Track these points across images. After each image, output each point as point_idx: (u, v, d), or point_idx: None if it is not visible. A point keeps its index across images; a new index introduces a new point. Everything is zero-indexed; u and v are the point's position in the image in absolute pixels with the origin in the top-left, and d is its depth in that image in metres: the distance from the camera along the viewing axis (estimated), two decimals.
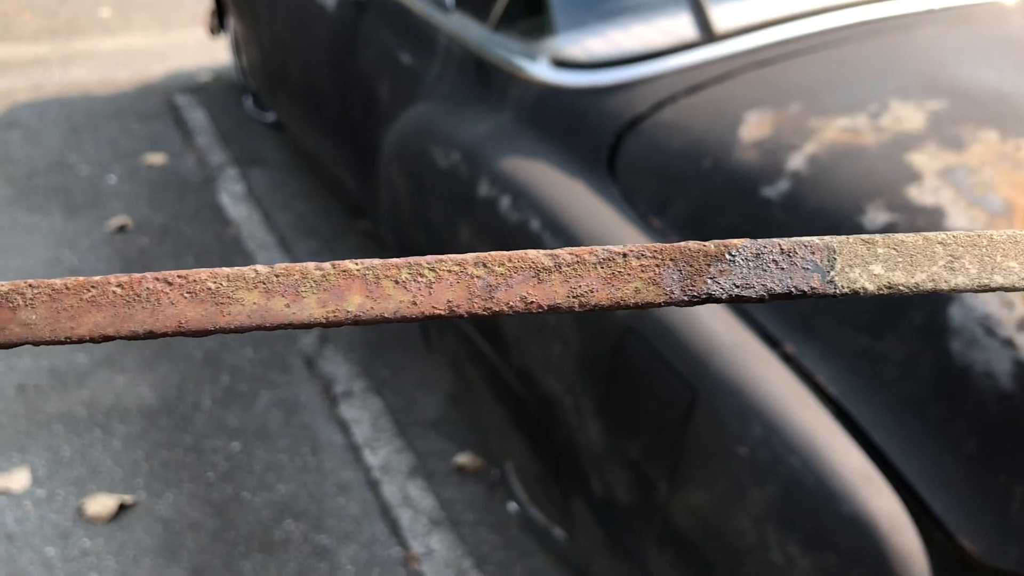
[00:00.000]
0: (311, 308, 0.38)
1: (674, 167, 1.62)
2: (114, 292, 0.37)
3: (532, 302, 0.39)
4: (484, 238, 1.76)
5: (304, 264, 0.38)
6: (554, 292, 0.39)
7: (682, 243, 0.40)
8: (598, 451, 1.55)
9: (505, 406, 1.91)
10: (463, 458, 2.31)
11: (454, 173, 1.88)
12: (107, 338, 0.37)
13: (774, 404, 1.23)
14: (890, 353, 1.28)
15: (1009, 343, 1.19)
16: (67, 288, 0.37)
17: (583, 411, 1.56)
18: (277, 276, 0.38)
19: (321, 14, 2.83)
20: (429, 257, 0.39)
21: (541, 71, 1.89)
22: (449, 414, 2.47)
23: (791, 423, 1.21)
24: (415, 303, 0.39)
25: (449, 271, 0.39)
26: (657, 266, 0.40)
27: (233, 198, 3.61)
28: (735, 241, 0.40)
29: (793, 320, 1.36)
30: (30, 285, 0.37)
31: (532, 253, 0.39)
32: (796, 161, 1.48)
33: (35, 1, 6.00)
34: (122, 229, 3.36)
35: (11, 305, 0.37)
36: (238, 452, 2.34)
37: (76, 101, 4.48)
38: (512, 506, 2.15)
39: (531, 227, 1.61)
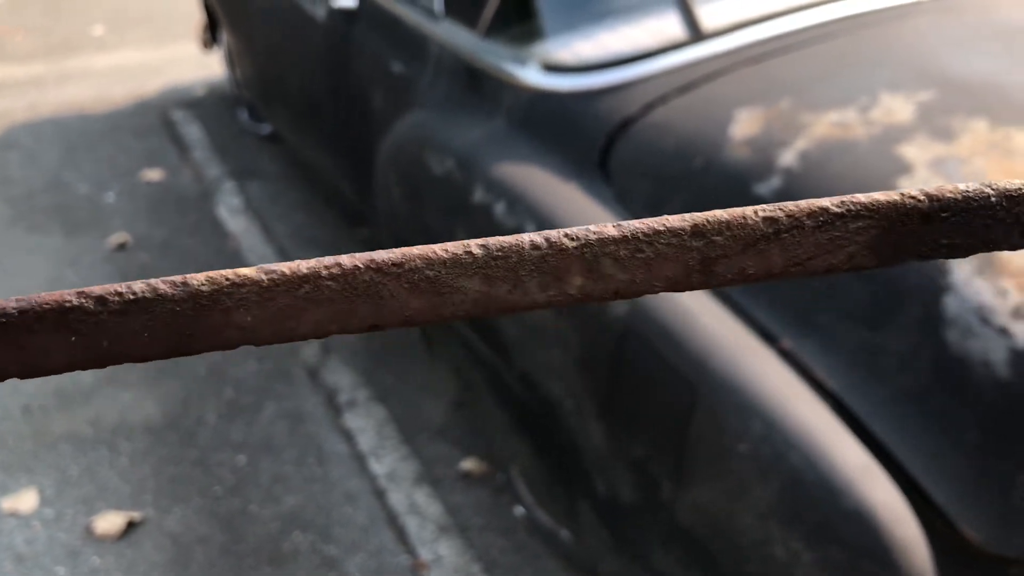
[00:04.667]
0: (534, 293, 0.37)
1: (667, 167, 1.63)
2: (329, 287, 0.35)
3: (751, 274, 0.38)
4: None
5: (517, 240, 0.37)
6: (771, 262, 0.38)
7: (894, 196, 0.38)
8: (601, 452, 1.56)
9: (508, 410, 1.92)
10: (469, 463, 2.31)
11: (449, 180, 1.88)
12: (330, 333, 0.36)
13: (773, 400, 1.24)
14: (887, 345, 1.29)
15: (1004, 331, 1.20)
16: (276, 284, 0.35)
17: (585, 413, 1.56)
18: (495, 259, 0.37)
19: (312, 25, 2.84)
20: (645, 227, 0.37)
21: (532, 76, 1.90)
22: (453, 420, 2.48)
23: (790, 419, 1.22)
24: (635, 281, 0.37)
25: (667, 244, 0.37)
26: (873, 228, 0.38)
27: (231, 211, 3.62)
28: (945, 189, 0.38)
29: (790, 315, 1.37)
30: (235, 283, 0.35)
31: (749, 215, 0.37)
32: (787, 157, 1.49)
33: (29, 20, 6.02)
34: (122, 246, 3.37)
35: (222, 307, 0.35)
36: (244, 465, 2.35)
37: (72, 120, 4.50)
38: (519, 510, 2.16)
39: (526, 231, 1.61)
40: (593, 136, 1.73)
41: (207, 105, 4.65)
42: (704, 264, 0.37)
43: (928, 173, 1.38)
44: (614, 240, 0.37)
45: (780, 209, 0.38)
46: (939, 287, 1.26)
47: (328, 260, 0.36)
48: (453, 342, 2.09)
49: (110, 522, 2.17)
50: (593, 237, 0.37)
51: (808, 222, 0.38)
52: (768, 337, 1.35)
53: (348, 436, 2.43)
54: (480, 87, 2.03)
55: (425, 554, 2.07)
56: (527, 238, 0.37)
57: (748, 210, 0.38)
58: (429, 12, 2.29)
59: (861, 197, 0.38)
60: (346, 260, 0.36)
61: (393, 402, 2.55)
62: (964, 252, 0.39)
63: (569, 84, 1.83)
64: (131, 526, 2.17)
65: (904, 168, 1.40)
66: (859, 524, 1.14)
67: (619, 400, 1.48)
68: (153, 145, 4.23)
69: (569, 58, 1.90)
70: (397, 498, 2.22)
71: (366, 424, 2.46)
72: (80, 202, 3.72)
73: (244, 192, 3.78)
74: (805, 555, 1.19)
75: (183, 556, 2.10)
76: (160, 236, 3.45)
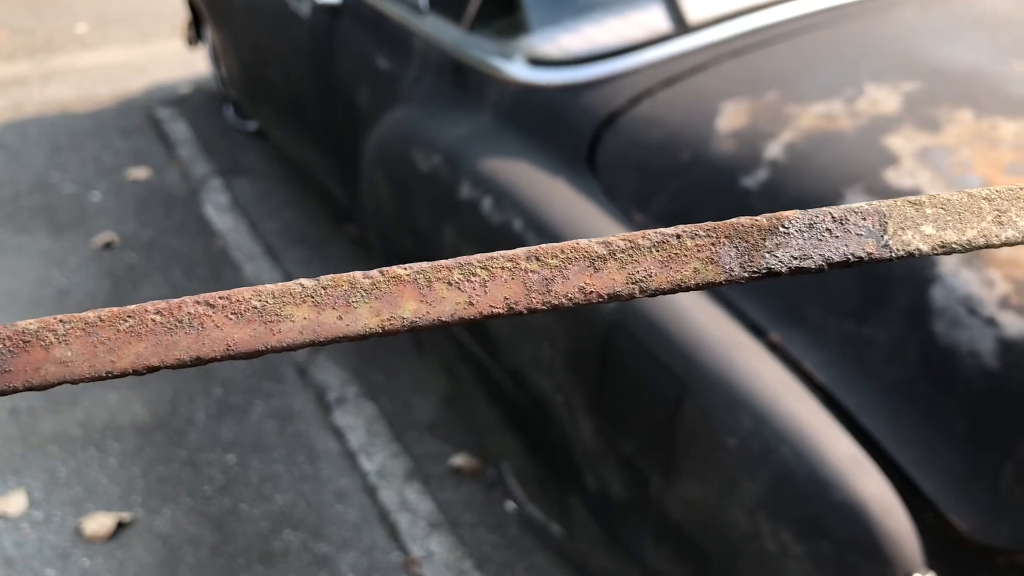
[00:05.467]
0: (365, 318, 0.37)
1: (653, 161, 1.62)
2: (153, 320, 0.35)
3: (591, 292, 0.38)
4: (468, 240, 1.76)
5: (351, 273, 0.37)
6: (612, 280, 0.38)
7: (734, 219, 0.39)
8: (591, 448, 1.55)
9: (498, 406, 1.91)
10: (459, 459, 2.31)
11: (436, 176, 1.88)
12: (151, 369, 0.36)
13: (762, 394, 1.24)
14: (876, 337, 1.29)
15: (991, 322, 1.20)
16: (101, 320, 0.35)
17: (574, 408, 1.56)
18: (325, 288, 0.37)
19: (296, 21, 2.82)
20: (480, 255, 0.38)
21: (517, 70, 1.89)
22: (444, 416, 2.47)
23: (780, 412, 1.21)
24: (471, 303, 0.38)
25: (502, 268, 0.38)
26: (713, 244, 0.39)
27: (218, 209, 3.61)
28: (787, 213, 0.40)
29: (778, 309, 1.36)
30: (61, 320, 0.35)
31: (584, 242, 0.38)
32: (774, 149, 1.48)
33: (11, 20, 5.97)
34: (109, 246, 3.35)
35: (43, 343, 0.35)
36: (234, 464, 2.34)
37: (57, 119, 4.47)
38: (510, 505, 2.15)
39: (514, 227, 1.61)
40: (580, 130, 1.72)
41: (193, 103, 4.63)
42: (543, 284, 0.38)
43: (914, 164, 1.38)
44: (447, 267, 0.38)
45: (615, 235, 0.39)
46: (927, 278, 1.26)
47: (159, 301, 0.36)
48: (442, 339, 2.09)
49: (99, 523, 2.16)
50: (427, 266, 0.38)
51: (643, 242, 0.39)
52: (757, 331, 1.35)
53: (338, 434, 2.43)
54: (466, 82, 2.02)
55: (417, 551, 2.07)
56: (361, 272, 0.37)
57: (583, 240, 0.39)
58: (414, 7, 2.28)
59: (700, 224, 0.39)
60: (175, 299, 0.36)
61: (383, 399, 2.54)
62: (818, 267, 0.40)
63: (555, 78, 1.82)
64: (121, 527, 2.16)
65: (890, 159, 1.40)
66: (849, 516, 1.14)
67: (608, 395, 1.48)
68: (139, 144, 4.20)
69: (555, 52, 1.90)
70: (388, 495, 2.22)
71: (356, 421, 2.46)
72: (66, 202, 3.70)
73: (231, 190, 3.76)
74: (795, 548, 1.19)
75: (173, 556, 2.09)
76: (147, 235, 3.43)
